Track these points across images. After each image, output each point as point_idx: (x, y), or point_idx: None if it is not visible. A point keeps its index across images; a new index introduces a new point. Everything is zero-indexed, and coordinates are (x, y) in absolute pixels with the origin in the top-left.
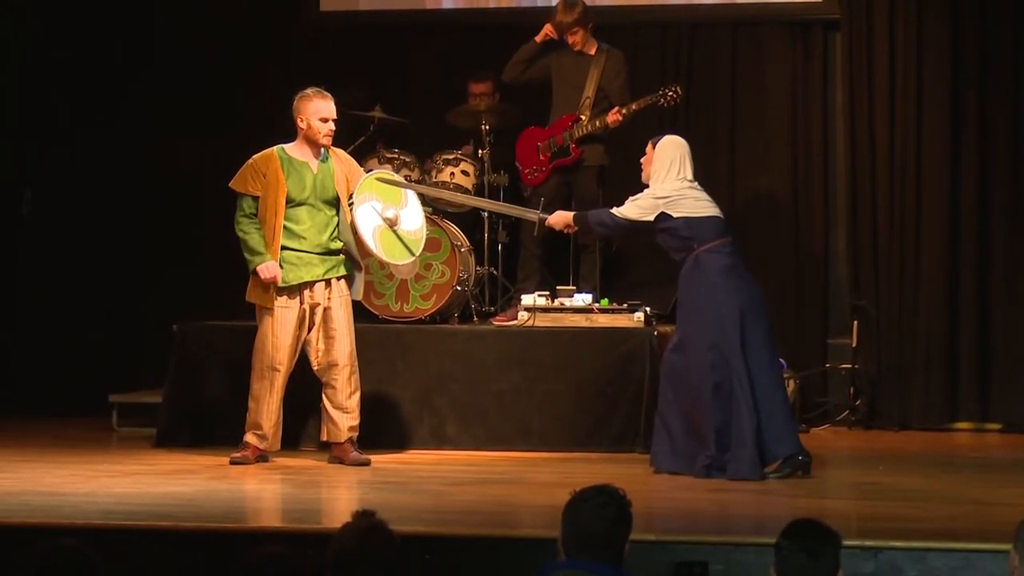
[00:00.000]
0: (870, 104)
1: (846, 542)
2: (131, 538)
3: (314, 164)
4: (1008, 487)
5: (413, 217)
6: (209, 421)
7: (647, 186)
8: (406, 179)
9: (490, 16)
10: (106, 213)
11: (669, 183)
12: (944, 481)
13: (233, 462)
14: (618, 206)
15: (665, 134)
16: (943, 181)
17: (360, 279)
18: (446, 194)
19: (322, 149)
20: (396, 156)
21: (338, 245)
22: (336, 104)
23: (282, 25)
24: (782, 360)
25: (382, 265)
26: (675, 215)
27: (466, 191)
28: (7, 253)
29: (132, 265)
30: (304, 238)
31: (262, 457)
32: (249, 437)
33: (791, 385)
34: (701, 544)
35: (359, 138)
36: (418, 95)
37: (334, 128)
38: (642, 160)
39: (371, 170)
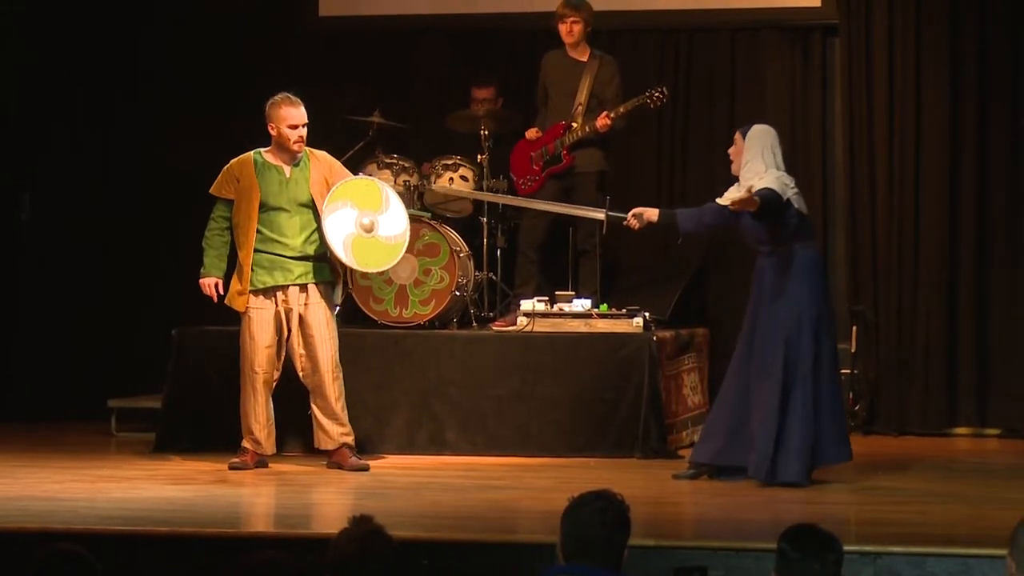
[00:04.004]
0: (869, 108)
1: (845, 547)
2: (130, 543)
3: (287, 169)
4: (1007, 492)
5: (394, 222)
6: (208, 426)
7: (736, 179)
8: (405, 183)
9: (490, 21)
10: (104, 218)
11: (783, 174)
12: (943, 486)
13: (232, 467)
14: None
15: (753, 124)
16: (942, 185)
17: (339, 286)
18: (504, 198)
19: (298, 153)
20: (395, 161)
21: (315, 250)
22: (307, 109)
23: (281, 30)
24: None
25: (365, 273)
26: (795, 205)
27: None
28: (6, 258)
29: (130, 270)
30: (278, 242)
31: (261, 462)
32: (246, 442)
33: None
34: (700, 549)
35: (358, 143)
36: (417, 100)
37: (304, 134)
38: (730, 151)
39: (368, 174)
